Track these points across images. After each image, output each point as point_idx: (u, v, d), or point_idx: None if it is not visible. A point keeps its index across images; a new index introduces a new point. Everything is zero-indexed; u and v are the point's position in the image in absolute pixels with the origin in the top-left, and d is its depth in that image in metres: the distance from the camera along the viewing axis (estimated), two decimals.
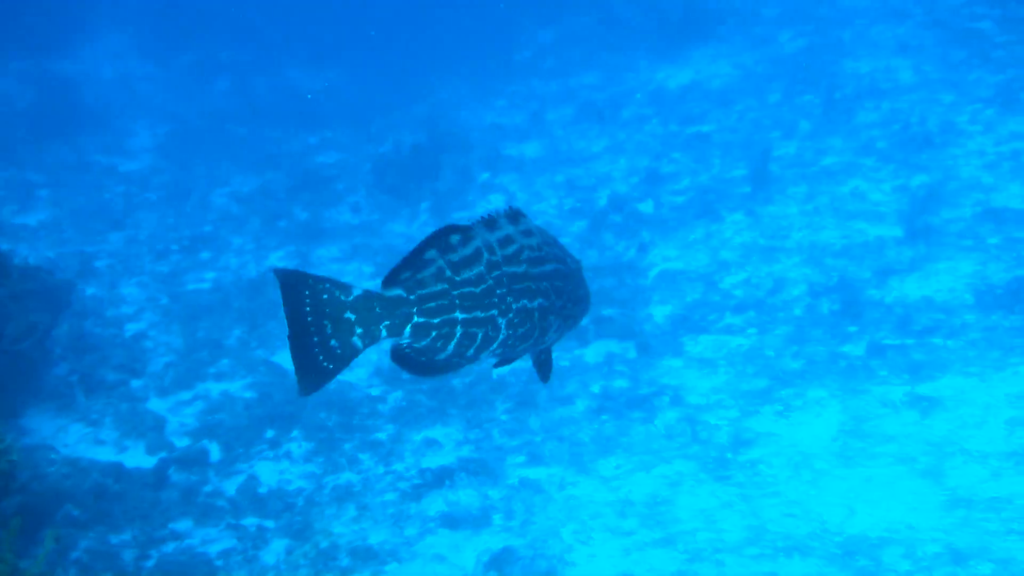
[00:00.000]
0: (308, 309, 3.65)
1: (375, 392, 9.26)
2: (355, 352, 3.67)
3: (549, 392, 8.71)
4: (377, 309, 3.67)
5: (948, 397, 7.78)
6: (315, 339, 3.66)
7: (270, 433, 8.66)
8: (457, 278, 3.76)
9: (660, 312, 10.04)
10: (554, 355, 9.08)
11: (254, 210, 14.26)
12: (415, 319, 3.72)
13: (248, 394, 9.40)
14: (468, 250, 3.81)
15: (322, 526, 7.29)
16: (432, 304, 3.74)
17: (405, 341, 3.80)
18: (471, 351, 3.89)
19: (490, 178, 14.48)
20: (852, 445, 7.42)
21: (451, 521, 7.17)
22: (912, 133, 12.46)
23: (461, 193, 14.04)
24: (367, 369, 9.63)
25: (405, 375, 8.87)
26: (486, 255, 3.83)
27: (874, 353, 8.55)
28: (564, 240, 11.45)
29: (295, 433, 8.66)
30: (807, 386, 8.29)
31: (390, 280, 3.71)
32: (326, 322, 3.66)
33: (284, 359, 10.09)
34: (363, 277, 12.09)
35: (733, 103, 14.95)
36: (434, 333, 3.78)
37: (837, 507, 6.73)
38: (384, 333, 3.71)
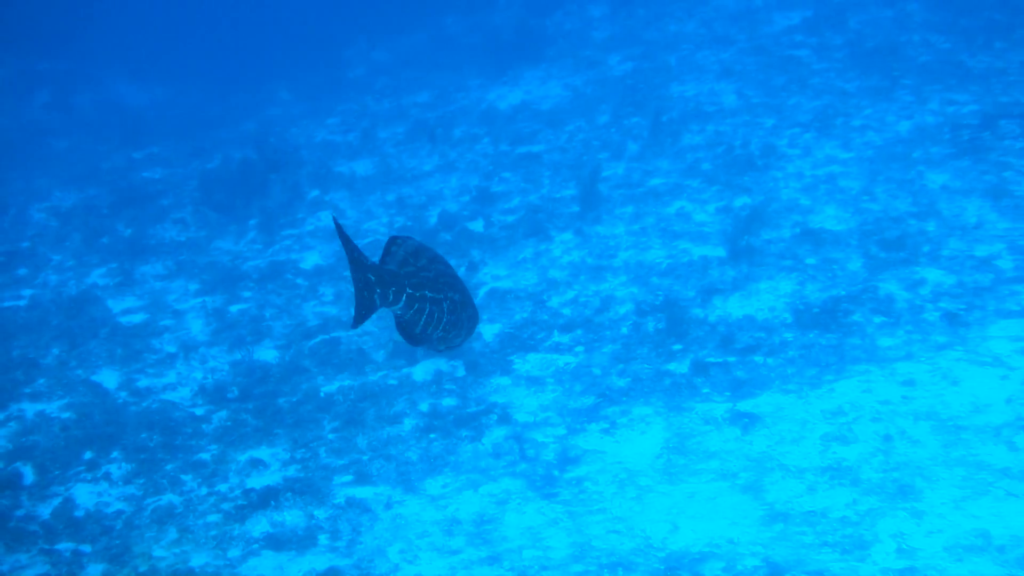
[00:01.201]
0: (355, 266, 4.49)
1: (199, 412, 9.05)
2: (373, 307, 4.53)
3: (377, 411, 8.64)
4: (386, 278, 4.53)
5: (767, 414, 8.00)
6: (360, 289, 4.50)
7: (88, 455, 8.38)
8: (418, 264, 4.63)
9: (489, 331, 10.08)
10: (381, 374, 8.99)
11: (75, 226, 13.83)
12: (407, 291, 4.58)
13: (66, 415, 9.08)
14: (411, 247, 4.66)
15: (141, 549, 7.08)
16: (414, 280, 4.60)
17: (399, 311, 4.63)
18: (432, 327, 4.74)
19: (320, 195, 14.35)
20: (676, 462, 7.56)
21: (276, 542, 7.05)
22: (735, 155, 12.83)
23: (290, 210, 13.88)
24: (191, 388, 9.39)
25: (233, 398, 8.69)
26: (424, 254, 4.69)
27: (698, 371, 8.74)
28: None
29: (115, 454, 8.41)
30: (633, 403, 8.43)
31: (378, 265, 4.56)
32: (361, 278, 4.49)
33: (105, 378, 9.78)
34: (188, 295, 11.83)
35: (563, 124, 15.14)
36: (416, 306, 4.63)
37: (661, 523, 6.84)
38: (391, 298, 4.55)
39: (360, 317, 4.50)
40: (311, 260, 12.40)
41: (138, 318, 11.41)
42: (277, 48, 21.96)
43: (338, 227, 4.53)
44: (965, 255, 10.19)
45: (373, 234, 12.73)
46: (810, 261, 10.38)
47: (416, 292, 4.61)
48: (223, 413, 9.02)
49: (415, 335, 4.77)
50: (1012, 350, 8.66)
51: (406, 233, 12.59)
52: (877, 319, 9.31)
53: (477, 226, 12.40)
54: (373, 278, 4.50)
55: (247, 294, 11.75)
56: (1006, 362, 8.49)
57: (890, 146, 12.58)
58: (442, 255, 4.86)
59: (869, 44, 15.86)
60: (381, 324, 10.42)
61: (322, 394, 9.29)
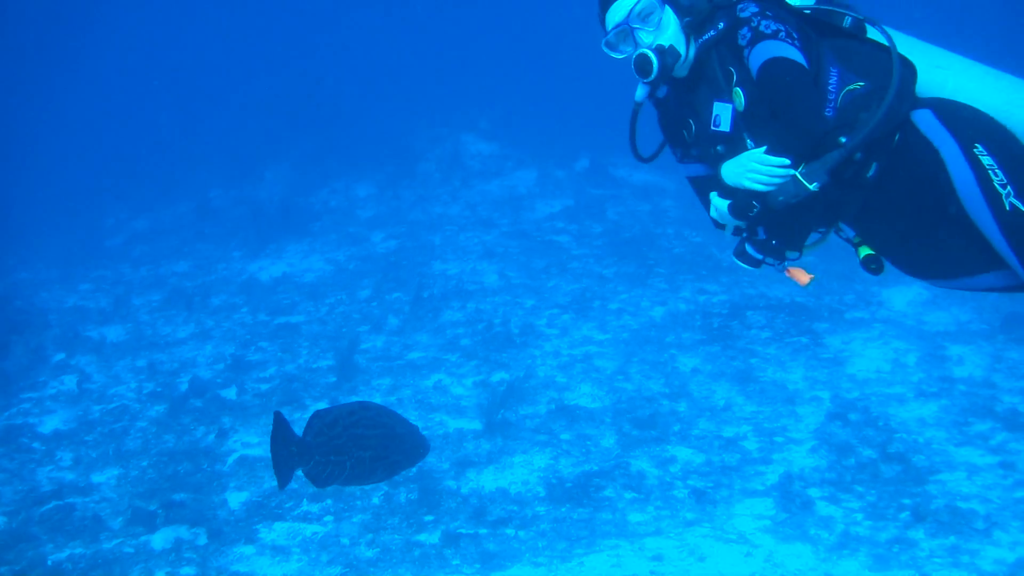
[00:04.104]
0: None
1: None
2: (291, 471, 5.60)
3: None
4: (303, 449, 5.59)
5: None
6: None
7: None
8: (332, 433, 5.63)
9: (236, 498, 9.72)
10: (116, 541, 8.53)
11: None
12: (316, 456, 5.59)
13: None
14: (328, 419, 5.68)
15: None
16: (324, 448, 5.61)
17: (307, 470, 5.64)
18: (337, 479, 5.72)
19: (65, 359, 13.76)
20: None
21: None
22: (495, 332, 13.02)
23: (31, 373, 13.24)
24: None
25: None
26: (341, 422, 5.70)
27: (448, 542, 8.61)
28: (140, 424, 10.98)
29: None
30: (381, 574, 8.20)
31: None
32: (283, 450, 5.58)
33: None
34: None
35: (324, 296, 15.08)
36: (326, 468, 5.66)
37: None
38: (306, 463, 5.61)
39: (284, 479, 5.56)
40: (51, 424, 11.76)
41: None
42: (31, 216, 21.36)
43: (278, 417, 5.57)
44: (713, 435, 10.53)
45: (119, 399, 12.22)
46: (564, 436, 10.50)
47: (324, 457, 5.59)
48: None
49: (320, 481, 5.70)
50: (756, 528, 8.91)
51: (157, 399, 12.18)
52: (628, 495, 9.45)
53: (230, 393, 12.09)
54: (295, 449, 5.52)
55: None
56: (750, 540, 8.71)
57: (645, 330, 13.03)
58: (373, 420, 5.81)
59: (626, 234, 16.58)
60: (121, 490, 9.92)
61: (49, 562, 8.70)
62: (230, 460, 10.52)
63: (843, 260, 4.95)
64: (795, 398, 11.22)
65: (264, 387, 12.21)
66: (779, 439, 10.41)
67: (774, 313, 13.27)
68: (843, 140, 4.16)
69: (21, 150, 24.89)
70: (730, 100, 4.34)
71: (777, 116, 4.20)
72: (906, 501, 9.22)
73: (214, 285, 16.43)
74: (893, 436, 10.30)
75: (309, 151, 22.61)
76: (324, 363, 12.68)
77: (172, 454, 10.63)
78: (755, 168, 4.19)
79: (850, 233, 4.67)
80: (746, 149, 4.31)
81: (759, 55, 4.22)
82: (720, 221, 4.52)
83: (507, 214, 17.89)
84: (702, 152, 4.59)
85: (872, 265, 4.59)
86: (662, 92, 4.72)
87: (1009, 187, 4.17)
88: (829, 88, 4.23)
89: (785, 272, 4.53)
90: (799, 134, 4.15)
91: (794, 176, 4.15)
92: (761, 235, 4.48)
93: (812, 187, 4.11)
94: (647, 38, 4.41)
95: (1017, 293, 4.42)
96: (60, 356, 13.88)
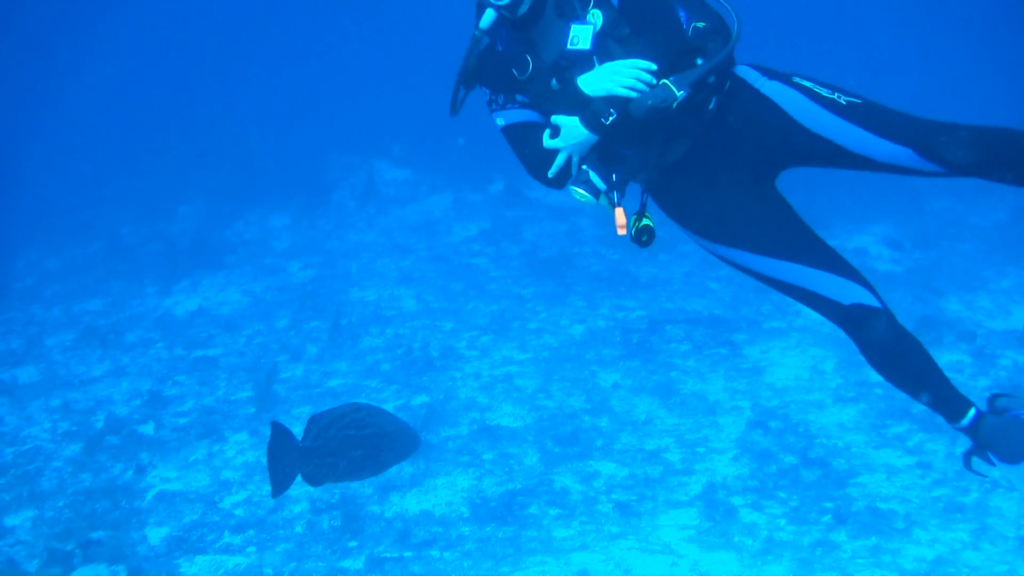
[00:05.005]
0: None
1: None
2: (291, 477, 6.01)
3: None
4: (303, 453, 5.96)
5: None
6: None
7: None
8: (327, 436, 5.96)
9: (156, 534, 9.58)
10: None
11: None
12: (315, 459, 5.95)
13: None
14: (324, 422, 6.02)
15: None
16: (322, 451, 5.95)
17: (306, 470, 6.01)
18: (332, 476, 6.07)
19: None
20: None
21: None
22: (415, 356, 12.97)
23: None
24: None
25: None
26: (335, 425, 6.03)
27: (373, 566, 8.56)
28: (55, 463, 10.75)
29: None
30: None
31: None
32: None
33: None
34: None
35: (241, 328, 14.92)
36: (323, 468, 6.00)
37: None
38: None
39: (281, 486, 5.95)
40: None
41: None
42: None
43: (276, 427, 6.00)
44: (636, 449, 10.58)
45: (32, 440, 11.96)
46: (487, 456, 10.48)
47: (320, 460, 5.93)
48: None
49: (315, 481, 6.02)
50: (680, 538, 8.98)
51: (73, 438, 11.98)
52: (553, 511, 9.46)
53: (147, 429, 11.90)
54: (296, 455, 5.88)
55: None
56: (675, 550, 8.78)
57: (564, 348, 13.07)
58: (363, 420, 6.13)
59: (544, 254, 16.64)
60: (36, 532, 9.71)
61: None
62: (149, 495, 10.36)
63: None
64: (716, 408, 11.32)
65: (182, 421, 12.04)
66: (701, 449, 10.49)
67: (692, 326, 13.39)
68: (699, 62, 4.51)
69: None
70: (588, 22, 4.57)
71: (641, 31, 4.53)
72: (828, 505, 9.34)
73: (129, 321, 16.17)
74: (813, 441, 10.44)
75: (222, 185, 22.40)
76: (243, 394, 12.54)
77: (89, 492, 10.44)
78: (625, 72, 4.41)
79: (638, 203, 5.01)
80: (567, 81, 4.59)
81: None
82: (548, 160, 4.78)
83: (423, 239, 17.89)
84: (535, 91, 4.77)
85: (644, 237, 4.95)
86: (492, 34, 4.89)
87: (836, 92, 4.61)
88: (680, 18, 4.55)
89: (615, 212, 4.83)
90: (667, 43, 4.49)
91: (664, 83, 4.42)
92: (590, 171, 4.73)
93: (680, 94, 4.39)
94: None
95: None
96: None
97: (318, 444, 5.88)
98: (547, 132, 4.71)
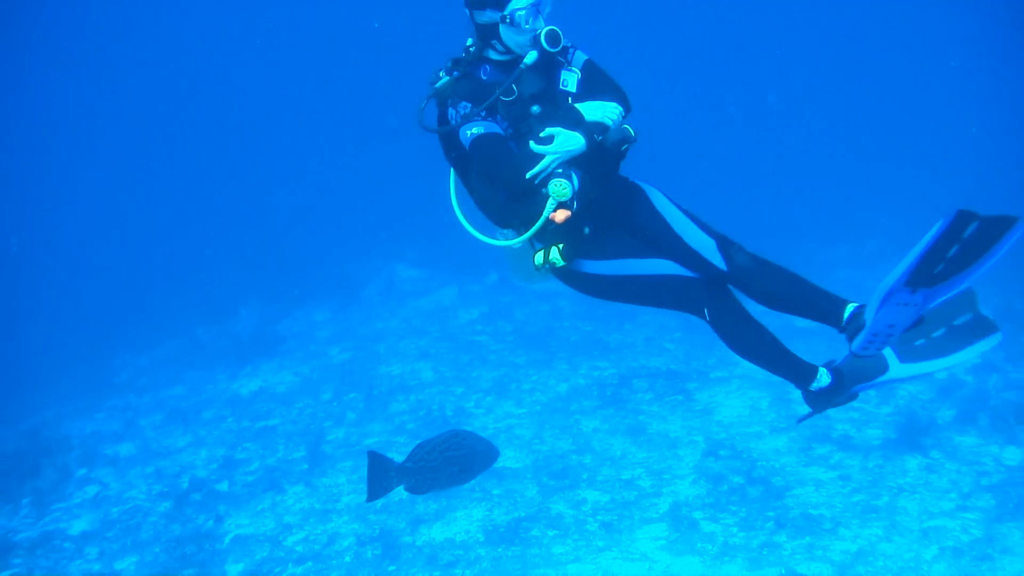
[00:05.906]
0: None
1: None
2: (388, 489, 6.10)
3: None
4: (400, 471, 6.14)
5: None
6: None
7: None
8: (429, 457, 6.12)
9: (234, 569, 9.61)
10: None
11: None
12: (415, 477, 6.09)
13: None
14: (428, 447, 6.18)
15: None
16: (421, 467, 6.12)
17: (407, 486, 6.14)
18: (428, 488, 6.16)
19: (87, 473, 13.47)
20: None
21: None
22: (434, 416, 13.03)
23: (60, 487, 12.97)
24: None
25: None
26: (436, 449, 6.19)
27: None
28: (151, 518, 10.72)
29: None
30: None
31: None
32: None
33: None
34: None
35: (294, 402, 14.97)
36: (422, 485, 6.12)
37: None
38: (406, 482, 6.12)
39: (374, 495, 6.02)
40: (78, 527, 11.50)
41: None
42: (50, 362, 20.95)
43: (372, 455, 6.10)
44: (615, 479, 10.62)
45: (133, 500, 11.99)
46: (496, 492, 10.52)
47: (422, 475, 6.06)
48: None
49: (419, 491, 6.12)
50: (654, 547, 9.00)
51: (164, 497, 11.99)
52: (551, 532, 9.49)
53: (223, 486, 11.93)
54: (393, 474, 6.01)
55: (17, 560, 10.71)
56: (651, 557, 8.80)
57: (553, 402, 13.14)
58: (459, 444, 6.27)
59: (532, 330, 16.76)
60: (139, 573, 9.69)
61: None
62: (227, 539, 10.38)
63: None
64: (676, 443, 11.37)
65: (250, 478, 12.06)
66: (667, 476, 10.54)
67: (654, 379, 13.47)
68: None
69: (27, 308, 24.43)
70: (574, 70, 5.04)
71: (606, 90, 5.02)
72: (770, 513, 9.38)
73: (205, 402, 16.21)
74: (755, 464, 10.49)
75: (274, 289, 22.58)
76: (298, 454, 12.58)
77: (179, 539, 10.48)
78: (612, 108, 4.85)
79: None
80: (568, 106, 4.85)
81: (580, 57, 5.13)
82: (527, 165, 4.79)
83: (436, 323, 18.00)
84: (514, 113, 4.95)
85: (557, 262, 5.01)
86: (477, 63, 5.09)
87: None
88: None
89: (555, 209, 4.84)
90: (624, 102, 5.00)
91: (626, 125, 4.92)
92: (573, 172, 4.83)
93: (633, 134, 4.89)
94: (546, 10, 4.91)
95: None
96: (83, 471, 13.58)
97: (420, 465, 6.03)
98: (531, 140, 4.78)
